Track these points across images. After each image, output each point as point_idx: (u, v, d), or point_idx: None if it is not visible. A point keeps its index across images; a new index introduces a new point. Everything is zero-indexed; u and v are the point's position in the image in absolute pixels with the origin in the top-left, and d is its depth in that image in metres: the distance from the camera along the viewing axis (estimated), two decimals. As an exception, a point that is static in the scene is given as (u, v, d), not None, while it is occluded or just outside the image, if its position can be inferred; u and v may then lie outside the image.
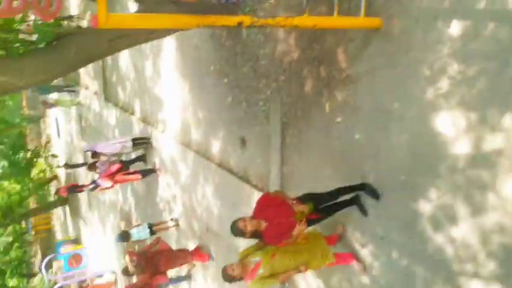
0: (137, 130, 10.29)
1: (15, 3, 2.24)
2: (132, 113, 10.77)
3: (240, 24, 3.13)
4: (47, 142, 24.59)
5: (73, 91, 16.97)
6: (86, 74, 15.09)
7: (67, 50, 4.22)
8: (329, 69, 4.71)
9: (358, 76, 4.39)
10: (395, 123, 4.08)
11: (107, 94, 12.61)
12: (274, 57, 5.40)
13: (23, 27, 4.49)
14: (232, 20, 3.11)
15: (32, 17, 4.34)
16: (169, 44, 8.28)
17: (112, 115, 12.36)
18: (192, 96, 7.65)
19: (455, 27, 3.43)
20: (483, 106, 3.30)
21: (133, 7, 5.22)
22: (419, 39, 3.74)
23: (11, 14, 2.20)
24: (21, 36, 4.57)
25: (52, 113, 22.37)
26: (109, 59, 12.09)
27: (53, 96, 18.05)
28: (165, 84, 8.69)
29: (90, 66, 13.95)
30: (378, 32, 4.05)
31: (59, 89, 17.45)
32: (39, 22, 4.16)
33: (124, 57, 10.82)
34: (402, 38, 3.89)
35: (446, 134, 3.57)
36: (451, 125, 3.53)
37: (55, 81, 20.25)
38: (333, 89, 4.70)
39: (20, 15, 4.21)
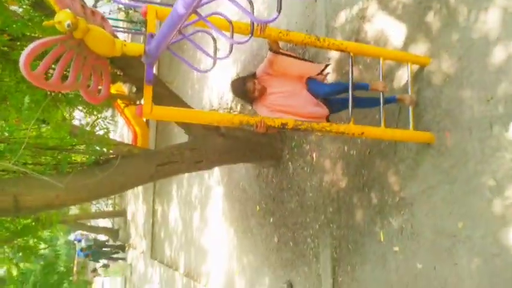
0: (179, 286, 9.81)
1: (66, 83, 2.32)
2: (176, 269, 10.41)
3: (284, 125, 3.08)
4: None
5: (122, 258, 17.06)
6: (137, 235, 15.26)
7: (115, 172, 4.28)
8: (380, 194, 4.44)
9: (413, 198, 4.07)
10: (462, 247, 3.58)
11: (154, 252, 12.48)
12: (322, 188, 5.22)
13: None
14: (276, 122, 3.07)
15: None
16: (216, 192, 8.37)
17: (156, 273, 12.01)
18: (237, 241, 7.36)
19: (515, 131, 3.22)
20: None
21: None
22: (476, 150, 3.50)
23: (59, 89, 2.26)
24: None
25: (99, 280, 22.30)
26: (159, 215, 12.30)
27: (103, 263, 18.14)
28: (211, 232, 8.52)
29: (140, 225, 14.24)
30: (431, 147, 3.87)
31: (108, 254, 17.62)
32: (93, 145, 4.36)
33: (173, 212, 10.96)
34: (458, 151, 3.66)
35: (525, 249, 3.06)
36: (529, 238, 3.05)
37: (104, 240, 20.66)
38: (386, 215, 4.35)
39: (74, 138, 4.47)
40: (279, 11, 1.81)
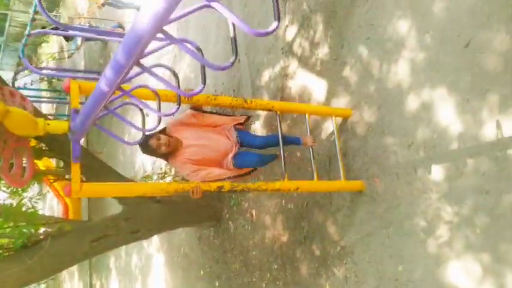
0: None
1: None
2: None
3: (220, 188, 3.06)
4: None
5: None
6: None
7: (45, 255, 4.00)
8: (322, 245, 4.48)
9: (353, 246, 4.14)
10: (405, 290, 3.67)
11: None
12: (265, 245, 5.18)
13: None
14: (212, 186, 3.06)
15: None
16: (157, 260, 8.03)
17: None
18: (184, 310, 7.03)
19: (437, 172, 3.43)
20: (492, 243, 3.03)
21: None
22: (405, 193, 3.67)
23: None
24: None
25: None
26: (97, 291, 11.55)
27: None
28: (155, 304, 8.09)
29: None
30: (363, 194, 4.01)
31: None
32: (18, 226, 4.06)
33: (113, 285, 10.34)
34: (388, 196, 3.82)
35: (462, 285, 3.17)
36: (464, 274, 3.17)
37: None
38: (330, 266, 4.38)
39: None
40: (204, 83, 1.85)
